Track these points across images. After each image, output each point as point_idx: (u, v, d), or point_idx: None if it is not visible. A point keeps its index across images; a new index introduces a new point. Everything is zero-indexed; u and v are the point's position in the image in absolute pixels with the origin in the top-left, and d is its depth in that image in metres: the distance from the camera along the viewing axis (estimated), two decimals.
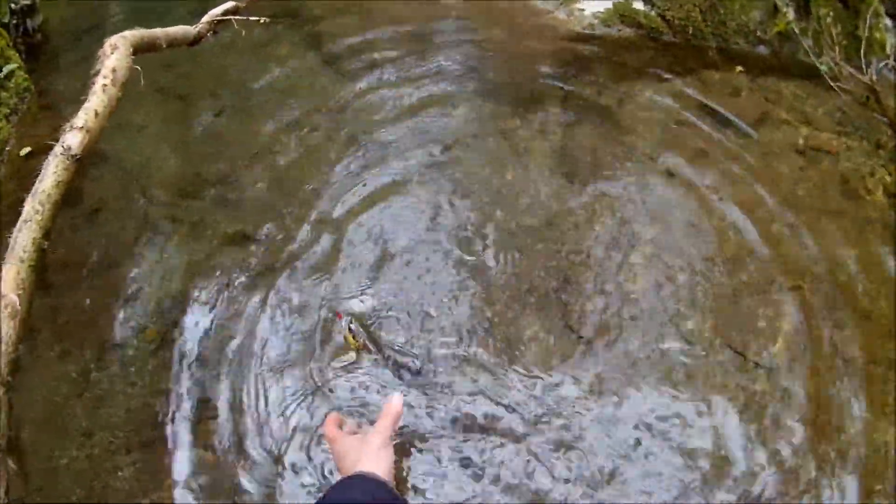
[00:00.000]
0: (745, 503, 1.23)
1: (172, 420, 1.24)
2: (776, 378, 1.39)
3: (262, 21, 1.51)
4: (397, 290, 1.47)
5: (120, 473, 1.16)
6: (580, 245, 1.57)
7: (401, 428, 1.21)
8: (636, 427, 1.30)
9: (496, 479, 1.22)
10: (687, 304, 1.48)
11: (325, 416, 1.19)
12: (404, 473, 1.19)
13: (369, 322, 1.38)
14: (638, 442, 1.28)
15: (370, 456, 1.02)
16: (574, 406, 1.31)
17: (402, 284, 1.48)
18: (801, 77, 2.00)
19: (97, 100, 1.10)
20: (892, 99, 1.98)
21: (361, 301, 1.43)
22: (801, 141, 1.83)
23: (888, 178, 1.78)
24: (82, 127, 1.06)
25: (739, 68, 2.00)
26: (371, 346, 1.31)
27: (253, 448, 1.24)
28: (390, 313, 1.42)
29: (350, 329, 1.29)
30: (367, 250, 1.54)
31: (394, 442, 1.11)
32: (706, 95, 1.91)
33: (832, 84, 1.96)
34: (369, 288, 1.47)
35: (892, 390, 1.42)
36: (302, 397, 1.31)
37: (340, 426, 1.15)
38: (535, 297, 1.48)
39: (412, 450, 1.23)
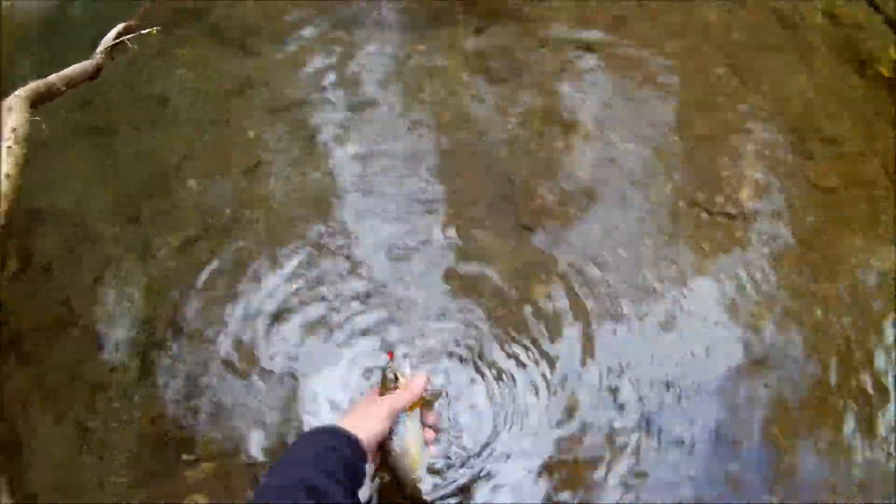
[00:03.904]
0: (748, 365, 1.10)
1: (168, 444, 1.17)
2: (754, 225, 1.25)
3: (154, 31, 1.39)
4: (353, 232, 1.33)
5: None
6: (516, 145, 1.41)
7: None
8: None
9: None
10: (640, 173, 1.33)
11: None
12: None
13: None
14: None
15: (360, 413, 0.89)
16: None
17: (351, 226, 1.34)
18: None
19: (4, 164, 1.11)
20: None
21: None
22: None
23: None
24: None
25: None
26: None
27: (255, 445, 1.14)
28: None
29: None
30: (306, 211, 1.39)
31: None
32: None
33: None
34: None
35: (886, 209, 1.29)
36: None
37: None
38: (484, 207, 1.32)
39: None
